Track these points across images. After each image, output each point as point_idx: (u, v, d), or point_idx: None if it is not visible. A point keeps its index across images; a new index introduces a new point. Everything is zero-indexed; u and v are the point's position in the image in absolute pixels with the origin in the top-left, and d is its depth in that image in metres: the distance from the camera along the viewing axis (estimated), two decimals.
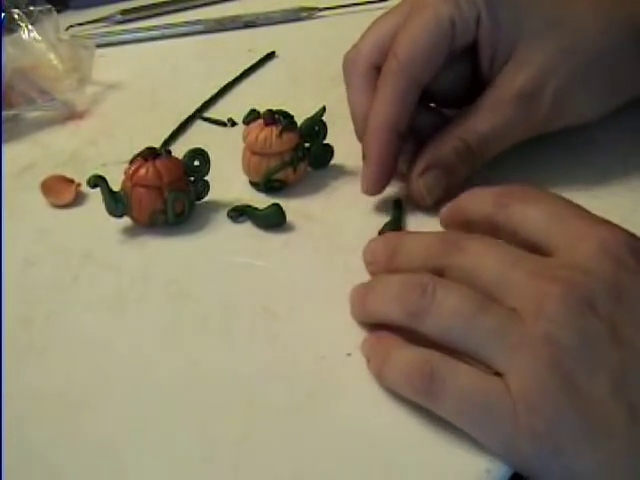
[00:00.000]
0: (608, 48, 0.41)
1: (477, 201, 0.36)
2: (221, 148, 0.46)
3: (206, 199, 0.44)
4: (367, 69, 0.44)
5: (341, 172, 0.47)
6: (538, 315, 0.29)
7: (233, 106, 0.55)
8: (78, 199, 0.46)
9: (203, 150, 0.44)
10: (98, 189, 0.42)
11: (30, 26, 0.57)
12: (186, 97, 0.57)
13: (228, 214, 0.44)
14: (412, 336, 0.33)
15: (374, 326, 0.35)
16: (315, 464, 0.31)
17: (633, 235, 0.31)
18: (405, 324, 0.33)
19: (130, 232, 0.43)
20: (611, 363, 0.28)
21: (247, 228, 0.43)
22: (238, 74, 0.59)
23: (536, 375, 0.29)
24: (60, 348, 0.37)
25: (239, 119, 0.47)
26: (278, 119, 0.44)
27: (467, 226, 0.36)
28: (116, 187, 0.42)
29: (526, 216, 0.33)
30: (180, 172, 0.43)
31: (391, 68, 0.42)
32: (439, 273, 0.33)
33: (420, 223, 0.42)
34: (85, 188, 0.44)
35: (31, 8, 0.58)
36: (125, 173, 0.42)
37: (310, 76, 0.59)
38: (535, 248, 0.32)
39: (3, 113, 0.54)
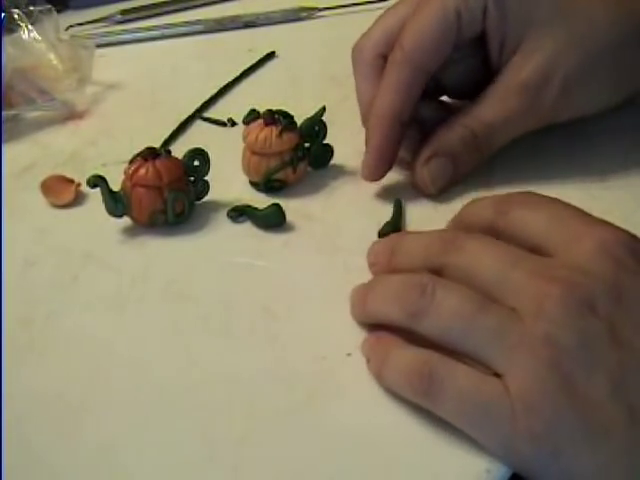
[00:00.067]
0: (617, 39, 0.41)
1: (477, 210, 0.36)
2: (221, 148, 0.46)
3: (206, 199, 0.44)
4: (374, 58, 0.44)
5: (341, 172, 0.47)
6: (538, 316, 0.29)
7: (233, 106, 0.55)
8: (78, 199, 0.46)
9: (203, 150, 0.44)
10: (98, 189, 0.42)
11: (30, 26, 0.57)
12: (186, 97, 0.57)
13: (228, 214, 0.44)
14: (412, 336, 0.33)
15: (374, 326, 0.35)
16: (315, 464, 0.31)
17: (633, 235, 0.31)
18: (404, 324, 0.33)
19: (130, 232, 0.43)
20: (610, 364, 0.28)
21: (247, 228, 0.43)
22: (238, 74, 0.59)
23: (535, 376, 0.29)
24: (60, 348, 0.37)
25: (239, 119, 0.47)
26: (278, 119, 0.44)
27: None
28: (116, 187, 0.42)
29: (526, 220, 0.33)
30: (180, 172, 0.43)
31: (396, 58, 0.42)
32: (438, 272, 0.33)
33: (420, 223, 0.42)
34: (85, 188, 0.44)
35: (31, 8, 0.59)
36: (125, 173, 0.42)
37: (310, 76, 0.59)
38: (535, 250, 0.32)
39: (3, 113, 0.54)
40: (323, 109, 0.45)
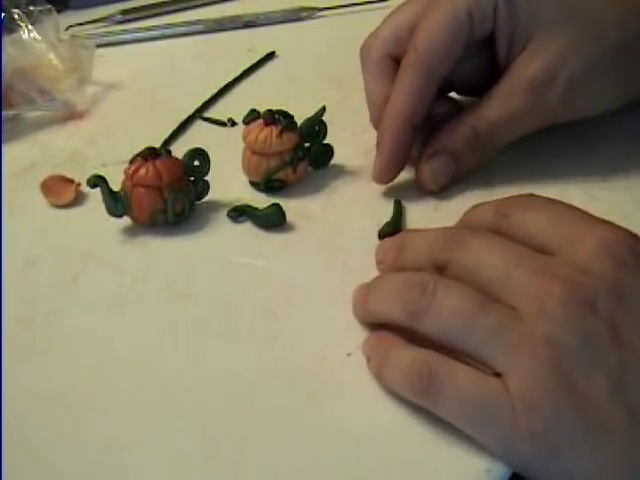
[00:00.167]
0: (624, 40, 0.41)
1: (479, 214, 0.36)
2: (221, 148, 0.46)
3: (206, 199, 0.44)
4: (382, 57, 0.44)
5: (341, 172, 0.47)
6: (538, 315, 0.29)
7: (233, 106, 0.55)
8: (78, 199, 0.46)
9: (203, 150, 0.44)
10: (98, 189, 0.42)
11: (30, 26, 0.57)
12: (186, 97, 0.57)
13: (228, 214, 0.44)
14: (414, 336, 0.33)
15: (376, 326, 0.35)
16: (315, 464, 0.31)
17: (634, 235, 0.31)
18: (405, 323, 0.33)
19: (130, 232, 0.43)
20: (611, 363, 0.28)
21: (247, 228, 0.43)
22: (238, 74, 0.59)
23: (535, 375, 0.29)
24: (60, 348, 0.37)
25: (239, 119, 0.47)
26: (278, 119, 0.44)
27: None
28: (116, 187, 0.42)
29: (527, 222, 0.33)
30: (180, 172, 0.43)
31: (410, 61, 0.42)
32: (442, 268, 0.33)
33: (420, 223, 0.42)
34: (85, 188, 0.44)
35: (31, 8, 0.59)
36: (125, 173, 0.42)
37: (310, 76, 0.59)
38: (537, 250, 0.32)
39: (3, 113, 0.54)
40: (323, 109, 0.45)
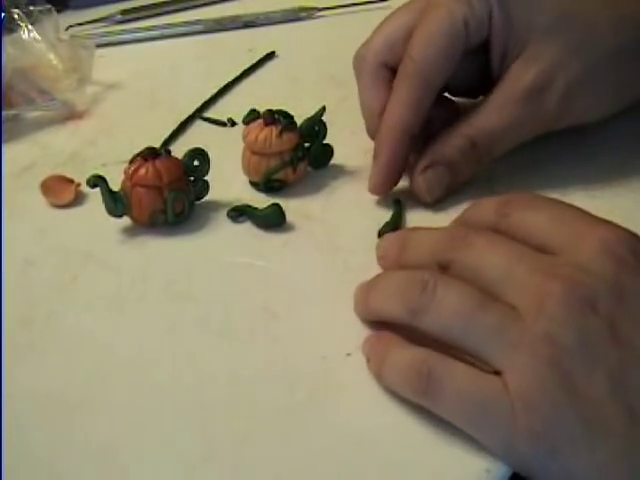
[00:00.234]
0: (620, 46, 0.41)
1: (479, 213, 0.36)
2: (221, 148, 0.46)
3: (206, 199, 0.44)
4: (377, 66, 0.44)
5: (341, 172, 0.47)
6: (538, 313, 0.29)
7: (233, 106, 0.55)
8: (78, 199, 0.46)
9: (203, 150, 0.44)
10: (98, 189, 0.42)
11: (30, 26, 0.57)
12: (186, 97, 0.57)
13: (228, 214, 0.44)
14: (415, 334, 0.33)
15: (376, 324, 0.35)
16: (315, 464, 0.31)
17: (634, 234, 0.31)
18: (405, 321, 0.33)
19: (130, 232, 0.43)
20: (610, 362, 0.28)
21: (247, 228, 0.43)
22: (238, 74, 0.59)
23: (535, 374, 0.29)
24: (60, 348, 0.37)
25: (239, 119, 0.47)
26: (278, 119, 0.44)
27: None
28: (116, 187, 0.42)
29: (527, 221, 0.33)
30: (180, 172, 0.43)
31: (407, 70, 0.42)
32: (445, 267, 0.33)
33: (420, 223, 0.42)
34: (85, 188, 0.44)
35: (31, 8, 0.59)
36: (125, 173, 0.42)
37: (310, 76, 0.59)
38: (539, 250, 0.32)
39: (3, 113, 0.54)
40: (323, 109, 0.45)
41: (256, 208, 0.43)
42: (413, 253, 0.36)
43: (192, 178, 0.43)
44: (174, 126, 0.53)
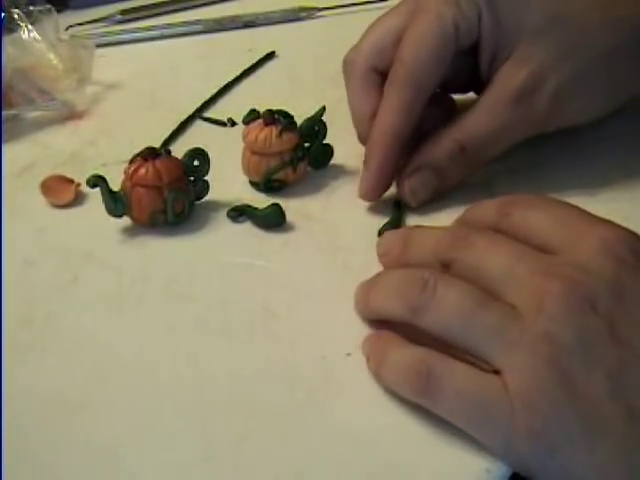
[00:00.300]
0: (612, 47, 0.41)
1: (480, 213, 0.36)
2: (221, 148, 0.46)
3: (206, 199, 0.44)
4: (366, 71, 0.44)
5: (341, 172, 0.47)
6: (538, 313, 0.29)
7: (233, 106, 0.55)
8: (78, 199, 0.46)
9: (203, 150, 0.44)
10: (98, 189, 0.42)
11: (30, 26, 0.57)
12: (186, 97, 0.57)
13: (228, 214, 0.44)
14: (416, 332, 0.33)
15: (377, 323, 0.35)
16: (315, 464, 0.31)
17: (634, 234, 0.31)
18: (406, 320, 0.33)
19: (130, 232, 0.43)
20: (610, 362, 0.28)
21: (247, 228, 0.43)
22: (238, 74, 0.59)
23: (534, 373, 0.29)
24: (60, 348, 0.37)
25: (239, 119, 0.47)
26: (278, 119, 0.44)
27: None
28: (116, 187, 0.42)
29: (528, 221, 0.33)
30: (180, 172, 0.43)
31: (398, 75, 0.41)
32: (446, 266, 0.33)
33: (420, 223, 0.42)
34: (85, 188, 0.44)
35: (31, 8, 0.59)
36: (125, 173, 0.42)
37: (310, 76, 0.59)
38: (539, 250, 0.32)
39: (3, 113, 0.54)
40: (323, 109, 0.45)
41: (256, 208, 0.43)
42: (414, 251, 0.36)
43: (192, 178, 0.43)
44: (174, 126, 0.53)
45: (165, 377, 0.35)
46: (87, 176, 0.42)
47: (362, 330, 0.36)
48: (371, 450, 0.31)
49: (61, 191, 0.46)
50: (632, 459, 0.28)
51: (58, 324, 0.38)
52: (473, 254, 0.33)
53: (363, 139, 0.44)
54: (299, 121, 0.45)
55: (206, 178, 0.44)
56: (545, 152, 0.46)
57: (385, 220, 0.42)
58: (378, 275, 0.36)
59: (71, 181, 0.47)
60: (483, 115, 0.41)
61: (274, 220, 0.43)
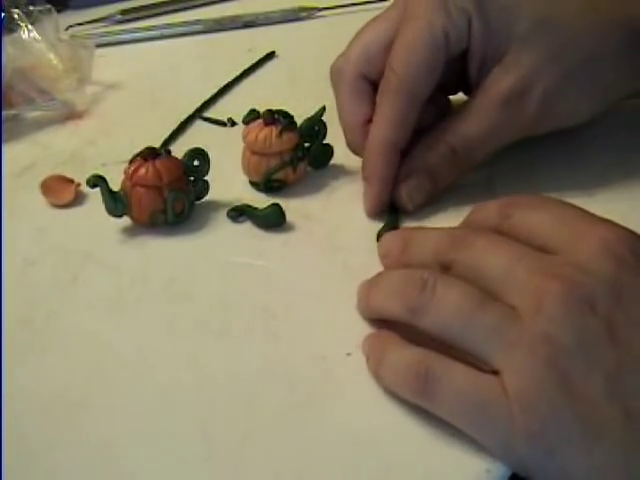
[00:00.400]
0: (600, 49, 0.41)
1: (482, 215, 0.36)
2: (221, 148, 0.46)
3: (206, 199, 0.44)
4: (355, 79, 0.43)
5: (341, 172, 0.47)
6: (537, 313, 0.29)
7: (233, 106, 0.55)
8: (78, 199, 0.46)
9: (203, 150, 0.44)
10: (98, 189, 0.42)
11: (30, 26, 0.57)
12: (186, 97, 0.57)
13: (228, 214, 0.44)
14: (417, 332, 0.33)
15: (378, 322, 0.35)
16: (315, 464, 0.31)
17: (634, 234, 0.31)
18: (405, 320, 0.33)
19: (130, 232, 0.43)
20: (608, 363, 0.28)
21: (247, 228, 0.43)
22: (238, 74, 0.59)
23: (532, 374, 0.29)
24: (60, 348, 0.37)
25: (239, 119, 0.47)
26: (278, 119, 0.44)
27: None
28: (116, 187, 0.42)
29: (529, 222, 0.33)
30: (180, 172, 0.43)
31: (390, 85, 0.41)
32: (447, 267, 0.33)
33: (419, 223, 0.42)
34: (85, 188, 0.44)
35: (31, 8, 0.59)
36: (125, 173, 0.42)
37: (310, 76, 0.59)
38: (540, 250, 0.32)
39: (3, 113, 0.54)
40: (323, 109, 0.45)
41: (256, 208, 0.43)
42: (415, 252, 0.36)
43: (192, 178, 0.43)
44: (174, 126, 0.53)
45: (165, 377, 0.35)
46: (87, 176, 0.42)
47: (362, 330, 0.36)
48: (371, 450, 0.31)
49: (61, 191, 0.46)
50: (630, 460, 0.28)
51: (58, 324, 0.38)
52: (472, 255, 0.33)
53: (354, 147, 0.45)
54: (299, 121, 0.45)
55: (206, 178, 0.44)
56: (544, 151, 0.46)
57: (385, 220, 0.42)
58: (379, 275, 0.36)
59: (71, 181, 0.47)
60: (471, 117, 0.41)
61: (274, 220, 0.43)
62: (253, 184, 0.46)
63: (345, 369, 0.34)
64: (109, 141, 0.53)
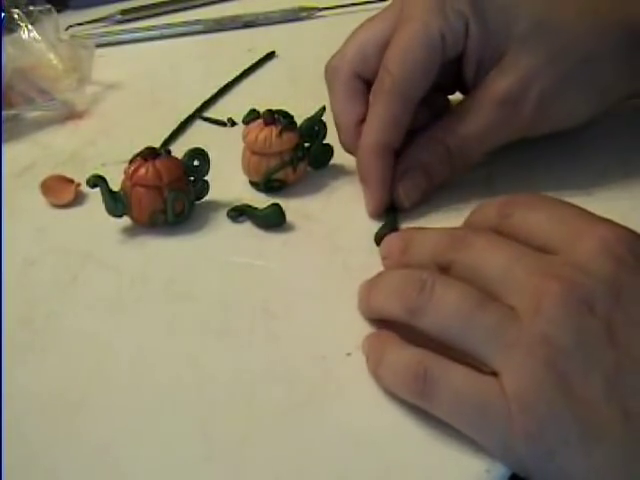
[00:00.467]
0: (598, 51, 0.41)
1: (482, 215, 0.36)
2: (221, 148, 0.46)
3: (206, 199, 0.44)
4: (350, 78, 0.43)
5: (341, 172, 0.47)
6: (536, 314, 0.29)
7: (233, 106, 0.55)
8: (78, 199, 0.46)
9: (203, 150, 0.44)
10: (98, 189, 0.42)
11: (30, 26, 0.57)
12: (186, 97, 0.57)
13: (228, 214, 0.44)
14: (418, 332, 0.33)
15: (379, 322, 0.35)
16: (315, 464, 0.31)
17: (634, 233, 0.31)
18: (405, 320, 0.33)
19: (130, 232, 0.43)
20: (607, 364, 0.28)
21: (247, 228, 0.43)
22: (238, 74, 0.59)
23: (531, 375, 0.29)
24: (60, 348, 0.37)
25: (239, 119, 0.47)
26: (278, 119, 0.44)
27: None
28: (116, 187, 0.42)
29: (528, 221, 0.33)
30: (180, 172, 0.43)
31: (384, 87, 0.41)
32: (446, 268, 0.33)
33: (418, 223, 0.42)
34: (85, 188, 0.44)
35: (31, 8, 0.59)
36: (125, 173, 0.42)
37: (310, 76, 0.59)
38: (540, 250, 0.32)
39: (3, 113, 0.54)
40: (323, 109, 0.45)
41: (256, 208, 0.43)
42: (415, 253, 0.36)
43: (192, 178, 0.43)
44: (174, 126, 0.53)
45: (165, 377, 0.35)
46: (87, 176, 0.42)
47: (362, 330, 0.36)
48: (371, 450, 0.31)
49: (61, 191, 0.46)
50: (629, 461, 0.28)
51: (58, 324, 0.38)
52: (471, 255, 0.33)
53: (347, 147, 0.45)
54: (299, 121, 0.45)
55: (206, 178, 0.44)
56: (544, 151, 0.46)
57: (384, 220, 0.42)
58: (379, 275, 0.37)
59: (71, 181, 0.47)
60: (468, 117, 0.42)
61: (274, 220, 0.43)
62: (253, 184, 0.46)
63: (345, 369, 0.34)
64: (109, 141, 0.53)
